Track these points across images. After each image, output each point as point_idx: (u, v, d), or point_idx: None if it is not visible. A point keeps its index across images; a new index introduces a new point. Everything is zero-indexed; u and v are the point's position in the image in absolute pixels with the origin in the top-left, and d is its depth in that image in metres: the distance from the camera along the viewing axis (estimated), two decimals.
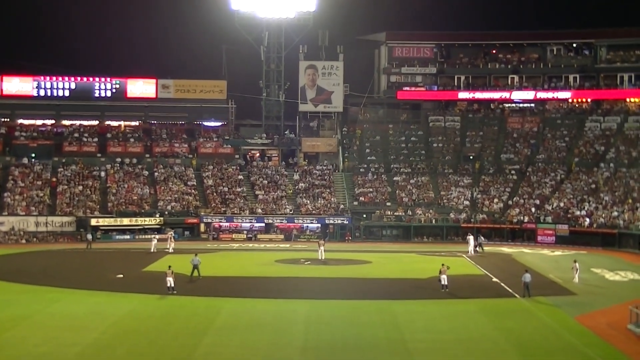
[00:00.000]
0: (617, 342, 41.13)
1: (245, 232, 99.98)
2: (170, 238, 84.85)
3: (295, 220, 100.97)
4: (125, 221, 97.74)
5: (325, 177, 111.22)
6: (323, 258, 74.91)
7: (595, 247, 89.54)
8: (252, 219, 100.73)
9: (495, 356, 38.44)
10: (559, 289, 58.81)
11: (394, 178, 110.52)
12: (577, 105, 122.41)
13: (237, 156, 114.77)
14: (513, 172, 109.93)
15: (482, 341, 41.46)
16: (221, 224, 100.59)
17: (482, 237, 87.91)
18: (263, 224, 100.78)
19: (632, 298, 51.30)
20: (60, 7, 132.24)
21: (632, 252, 79.71)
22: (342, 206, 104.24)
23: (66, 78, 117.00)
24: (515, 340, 41.62)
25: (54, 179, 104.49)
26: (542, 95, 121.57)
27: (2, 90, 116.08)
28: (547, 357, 38.39)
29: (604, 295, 56.69)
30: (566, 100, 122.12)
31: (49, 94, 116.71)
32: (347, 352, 38.96)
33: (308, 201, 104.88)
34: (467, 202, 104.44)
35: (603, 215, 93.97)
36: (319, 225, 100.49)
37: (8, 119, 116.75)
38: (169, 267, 56.64)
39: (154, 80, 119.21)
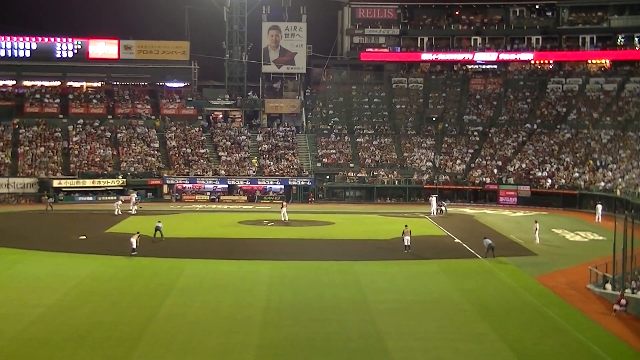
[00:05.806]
0: (576, 302, 41.69)
1: (208, 193, 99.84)
2: (133, 200, 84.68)
3: (259, 182, 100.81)
4: (88, 182, 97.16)
5: (289, 138, 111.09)
6: (286, 219, 75.07)
7: (556, 208, 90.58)
8: (215, 181, 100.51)
9: (456, 316, 38.74)
10: (520, 250, 59.45)
11: (357, 139, 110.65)
12: (539, 67, 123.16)
13: (200, 117, 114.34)
14: (475, 133, 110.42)
15: (443, 301, 41.86)
16: (184, 185, 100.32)
17: (444, 202, 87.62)
18: (226, 186, 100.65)
19: (592, 258, 51.82)
20: None
21: (593, 212, 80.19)
22: (305, 168, 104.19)
23: (27, 38, 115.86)
24: (476, 300, 42.06)
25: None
26: (504, 56, 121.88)
27: None
28: (507, 316, 38.77)
29: (564, 255, 57.41)
30: (528, 61, 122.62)
31: (9, 55, 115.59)
32: (309, 312, 39.16)
33: (271, 162, 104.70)
34: (429, 164, 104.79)
35: (564, 176, 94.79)
36: (282, 186, 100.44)
37: None
38: (137, 232, 56.92)
39: (116, 41, 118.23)
